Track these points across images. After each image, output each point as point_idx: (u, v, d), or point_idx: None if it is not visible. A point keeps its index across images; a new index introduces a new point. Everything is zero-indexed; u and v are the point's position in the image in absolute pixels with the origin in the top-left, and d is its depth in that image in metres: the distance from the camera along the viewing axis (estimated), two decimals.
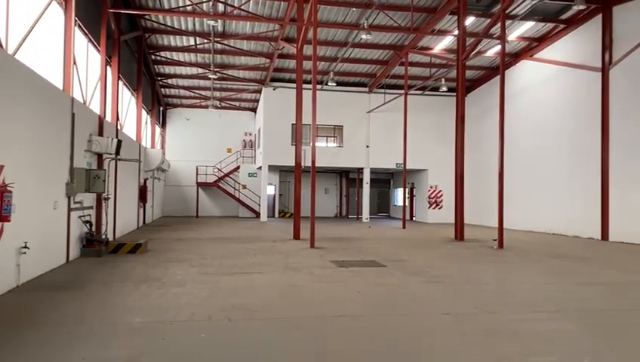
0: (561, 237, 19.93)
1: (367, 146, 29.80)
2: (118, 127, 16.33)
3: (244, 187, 33.25)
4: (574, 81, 20.36)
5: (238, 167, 33.71)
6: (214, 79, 26.68)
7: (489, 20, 18.97)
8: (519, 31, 21.61)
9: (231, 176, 33.80)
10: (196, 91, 30.63)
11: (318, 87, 25.28)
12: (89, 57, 14.06)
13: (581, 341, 5.64)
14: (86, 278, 9.07)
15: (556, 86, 21.63)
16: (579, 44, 20.24)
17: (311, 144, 15.25)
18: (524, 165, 23.29)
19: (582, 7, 16.46)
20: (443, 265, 11.75)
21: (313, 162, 15.02)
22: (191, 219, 30.60)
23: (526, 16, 19.75)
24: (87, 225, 12.23)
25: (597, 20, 19.02)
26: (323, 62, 25.68)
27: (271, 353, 5.04)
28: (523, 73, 24.06)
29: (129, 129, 20.20)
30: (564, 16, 20.30)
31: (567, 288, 8.92)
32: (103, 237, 12.76)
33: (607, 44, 18.51)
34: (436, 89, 28.60)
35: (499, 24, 16.69)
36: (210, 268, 10.45)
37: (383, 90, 28.85)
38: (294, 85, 17.31)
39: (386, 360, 4.87)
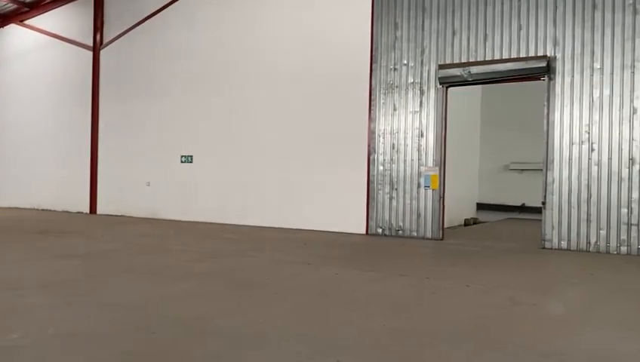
0: (51, 212, 19.66)
1: None
2: None
3: None
4: (68, 56, 20.17)
5: None
6: None
7: None
8: None
9: None
10: None
11: None
12: None
13: (50, 312, 5.67)
14: None
15: (50, 58, 20.90)
16: (72, 20, 20.17)
17: None
18: (13, 139, 21.69)
19: None
20: None
21: None
22: None
23: None
24: None
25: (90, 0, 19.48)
26: None
27: None
28: (14, 39, 22.18)
29: None
30: None
31: (47, 262, 8.82)
32: None
33: (98, 26, 19.20)
34: None
35: None
36: None
37: None
38: None
39: None
